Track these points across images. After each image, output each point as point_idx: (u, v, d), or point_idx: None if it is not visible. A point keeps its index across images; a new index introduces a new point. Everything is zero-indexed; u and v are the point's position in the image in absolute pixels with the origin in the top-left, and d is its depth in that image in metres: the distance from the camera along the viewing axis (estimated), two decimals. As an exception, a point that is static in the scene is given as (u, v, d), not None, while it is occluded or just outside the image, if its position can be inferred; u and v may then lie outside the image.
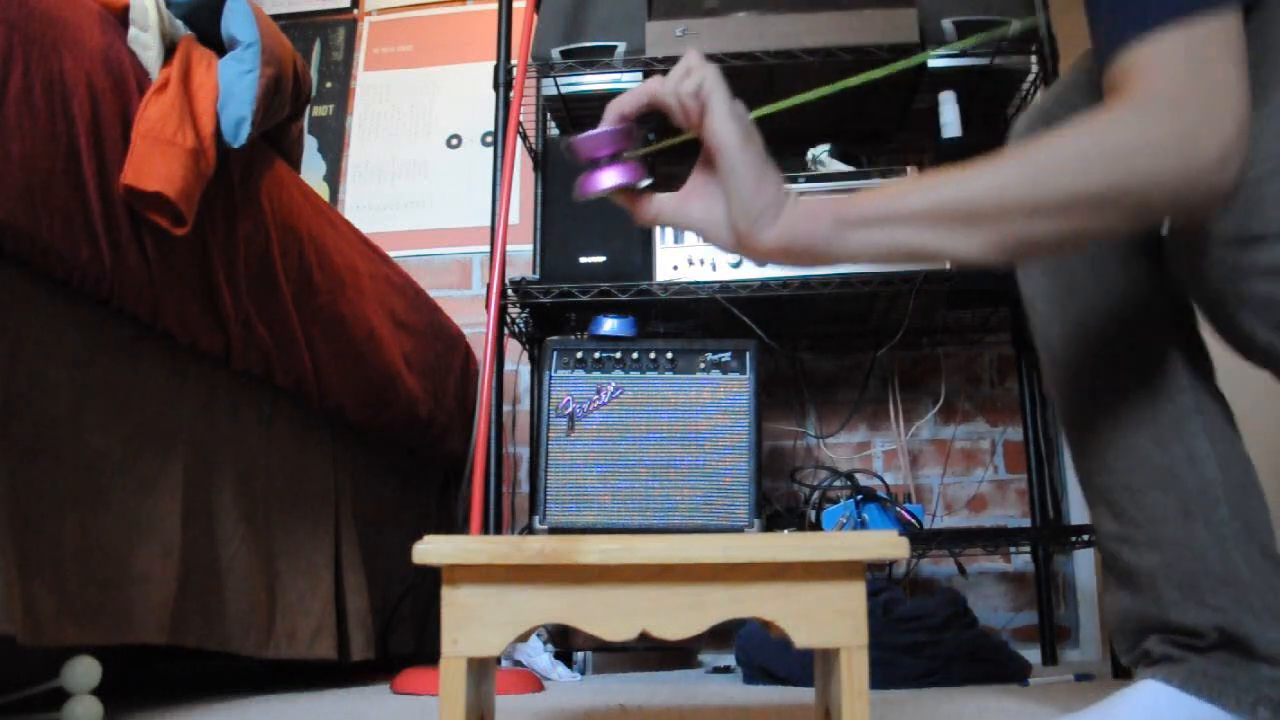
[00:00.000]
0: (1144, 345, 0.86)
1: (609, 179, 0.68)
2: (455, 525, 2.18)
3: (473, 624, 0.65)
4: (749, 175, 0.70)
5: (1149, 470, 0.84)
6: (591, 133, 0.68)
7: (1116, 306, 0.87)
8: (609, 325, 1.90)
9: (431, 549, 0.65)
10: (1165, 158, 0.63)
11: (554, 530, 1.73)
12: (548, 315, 2.10)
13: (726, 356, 1.78)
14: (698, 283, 1.87)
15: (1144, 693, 0.83)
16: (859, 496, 1.91)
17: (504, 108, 1.93)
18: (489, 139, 2.59)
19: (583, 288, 1.88)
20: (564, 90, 2.13)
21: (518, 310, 2.00)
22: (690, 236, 1.92)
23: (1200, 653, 0.81)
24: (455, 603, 0.65)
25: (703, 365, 1.78)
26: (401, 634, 1.85)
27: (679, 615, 0.65)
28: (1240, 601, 0.80)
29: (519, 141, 2.10)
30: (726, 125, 0.70)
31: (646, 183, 0.71)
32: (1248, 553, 0.81)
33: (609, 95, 2.14)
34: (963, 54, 1.99)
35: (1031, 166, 0.65)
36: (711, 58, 1.91)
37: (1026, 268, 0.93)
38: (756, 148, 0.71)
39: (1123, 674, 1.60)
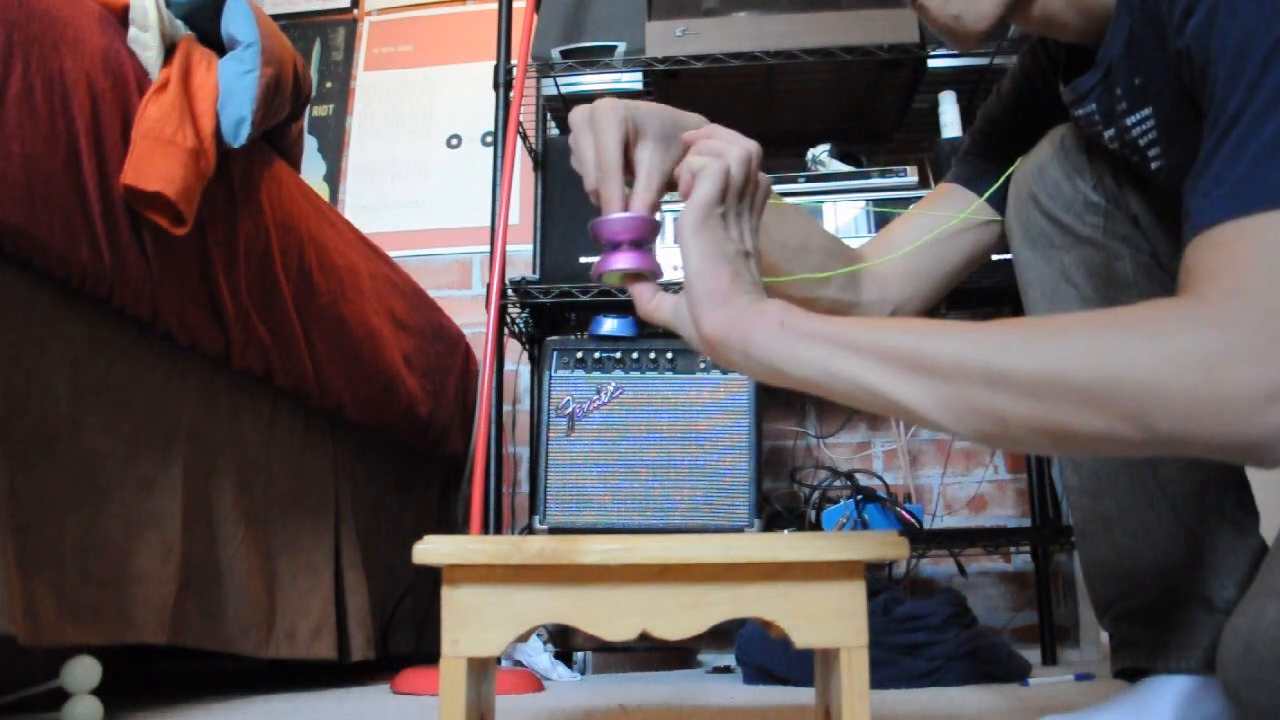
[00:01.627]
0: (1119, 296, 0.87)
1: (624, 261, 0.68)
2: (455, 525, 2.18)
3: (473, 624, 0.65)
4: (699, 257, 0.65)
5: None
6: (614, 216, 0.68)
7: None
8: (609, 325, 1.90)
9: (431, 549, 0.65)
10: (1181, 370, 0.52)
11: (554, 530, 1.73)
12: (548, 315, 2.10)
13: (726, 356, 1.78)
14: (698, 283, 1.87)
15: (1141, 691, 0.83)
16: (859, 496, 1.91)
17: (504, 108, 1.93)
18: (489, 139, 2.59)
19: (583, 288, 1.88)
20: (564, 90, 2.13)
21: (518, 310, 2.00)
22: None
23: (1158, 610, 0.83)
24: (455, 603, 0.65)
25: (703, 365, 1.78)
26: (401, 634, 1.85)
27: (679, 615, 0.65)
28: (1190, 556, 0.82)
29: (519, 141, 2.10)
30: (689, 210, 0.66)
31: (661, 277, 0.71)
32: (1199, 511, 0.83)
33: (609, 95, 2.15)
34: (963, 54, 1.99)
35: (1009, 332, 0.57)
36: (711, 58, 1.93)
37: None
38: (716, 238, 0.66)
39: (1121, 674, 1.59)
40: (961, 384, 0.56)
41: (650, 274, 0.70)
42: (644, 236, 0.69)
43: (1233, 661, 0.65)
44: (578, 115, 0.72)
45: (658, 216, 0.71)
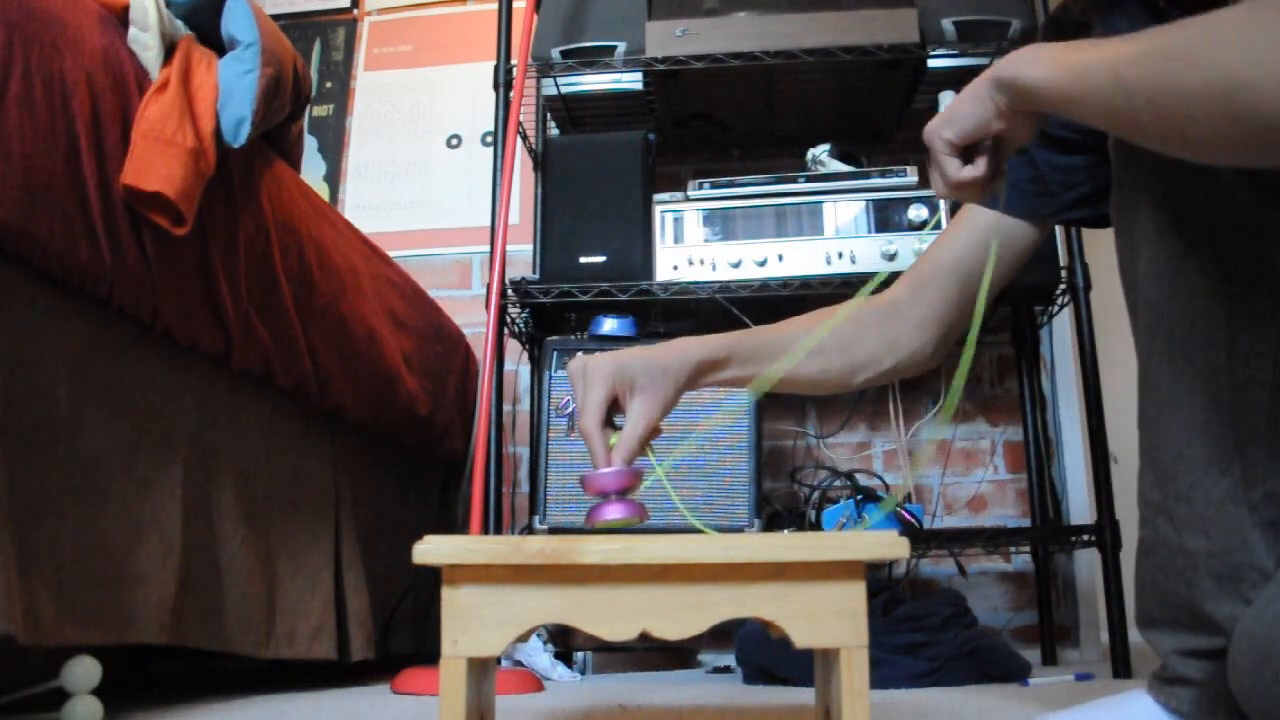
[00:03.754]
0: (1239, 299, 0.77)
1: (614, 513, 0.78)
2: (455, 525, 2.18)
3: (473, 624, 0.65)
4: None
5: (1210, 446, 0.77)
6: (602, 472, 0.78)
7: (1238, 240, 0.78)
8: (609, 325, 1.90)
9: (431, 549, 0.65)
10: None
11: (554, 530, 1.73)
12: (548, 315, 2.10)
13: (726, 356, 1.78)
14: (697, 283, 1.87)
15: (1133, 703, 0.81)
16: (859, 496, 1.91)
17: (504, 108, 1.93)
18: (489, 139, 2.59)
19: (583, 288, 1.88)
20: (564, 90, 2.13)
21: (518, 310, 2.00)
22: (689, 236, 1.92)
23: (1222, 658, 0.76)
24: (455, 603, 0.65)
25: (703, 365, 1.78)
26: (401, 634, 1.85)
27: (679, 615, 0.65)
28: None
29: (519, 141, 2.10)
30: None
31: (647, 518, 0.81)
32: (1275, 543, 0.75)
33: (609, 95, 2.16)
34: (962, 53, 1.99)
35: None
36: (711, 58, 1.93)
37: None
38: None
39: (1122, 674, 1.60)
40: (1142, 101, 0.64)
41: (637, 519, 0.80)
42: (628, 486, 0.78)
43: (1247, 670, 0.64)
44: (573, 367, 0.84)
45: (649, 457, 0.85)
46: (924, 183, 1.95)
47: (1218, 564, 0.76)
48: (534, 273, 1.99)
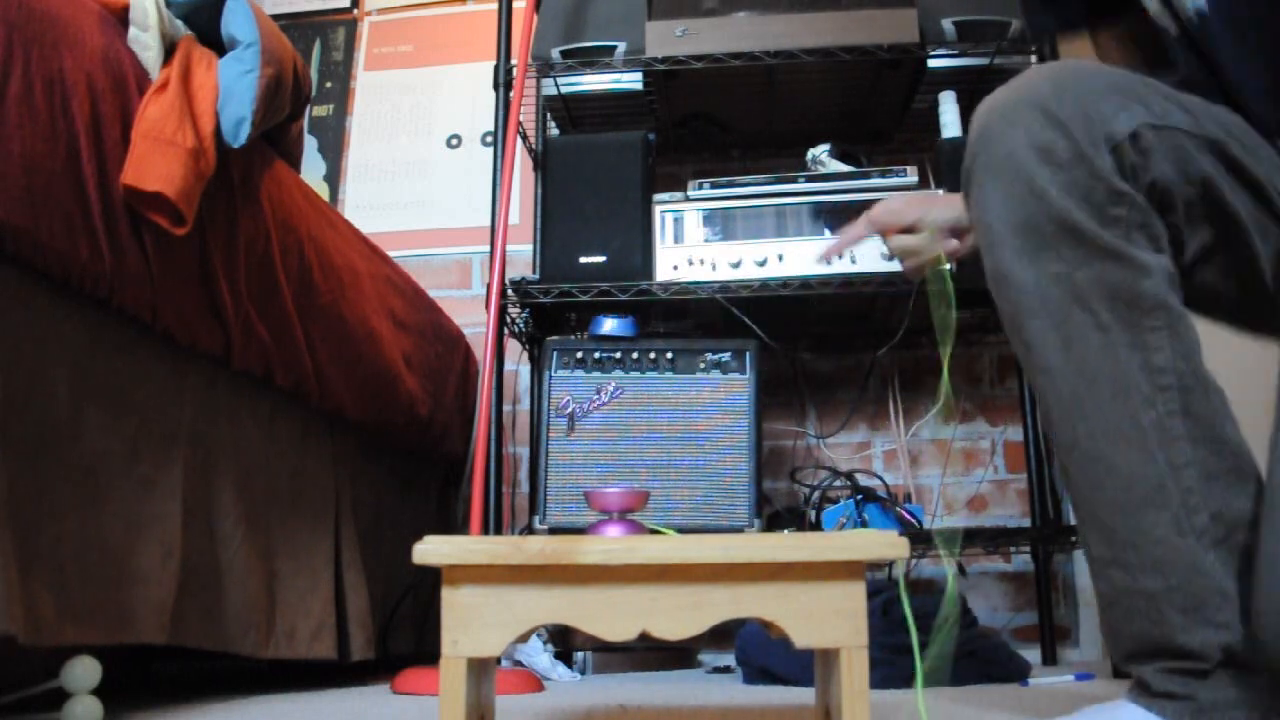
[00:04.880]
0: (1113, 344, 0.78)
1: (613, 533, 0.79)
2: (455, 525, 2.18)
3: (473, 624, 0.65)
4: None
5: (1143, 487, 0.77)
6: (607, 490, 0.79)
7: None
8: (609, 325, 1.90)
9: (431, 549, 0.65)
10: None
11: (554, 530, 1.73)
12: (548, 315, 2.10)
13: (726, 356, 1.78)
14: (698, 283, 1.87)
15: (1121, 712, 0.80)
16: (859, 496, 1.91)
17: (504, 108, 1.93)
18: (489, 139, 2.59)
19: (583, 288, 1.88)
20: (564, 90, 2.13)
21: (518, 310, 2.00)
22: (689, 236, 1.92)
23: (1204, 678, 0.76)
24: (455, 603, 0.65)
25: (703, 365, 1.78)
26: (401, 634, 1.85)
27: (679, 615, 0.65)
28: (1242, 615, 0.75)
29: (519, 141, 2.10)
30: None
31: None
32: (1230, 560, 0.77)
33: (609, 95, 2.16)
34: (962, 53, 1.99)
35: None
36: (711, 58, 1.93)
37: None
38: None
39: (1122, 674, 1.60)
40: None
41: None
42: (632, 507, 0.79)
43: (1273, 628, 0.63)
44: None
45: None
46: (924, 183, 1.95)
47: (1180, 597, 0.76)
48: (534, 273, 1.99)
